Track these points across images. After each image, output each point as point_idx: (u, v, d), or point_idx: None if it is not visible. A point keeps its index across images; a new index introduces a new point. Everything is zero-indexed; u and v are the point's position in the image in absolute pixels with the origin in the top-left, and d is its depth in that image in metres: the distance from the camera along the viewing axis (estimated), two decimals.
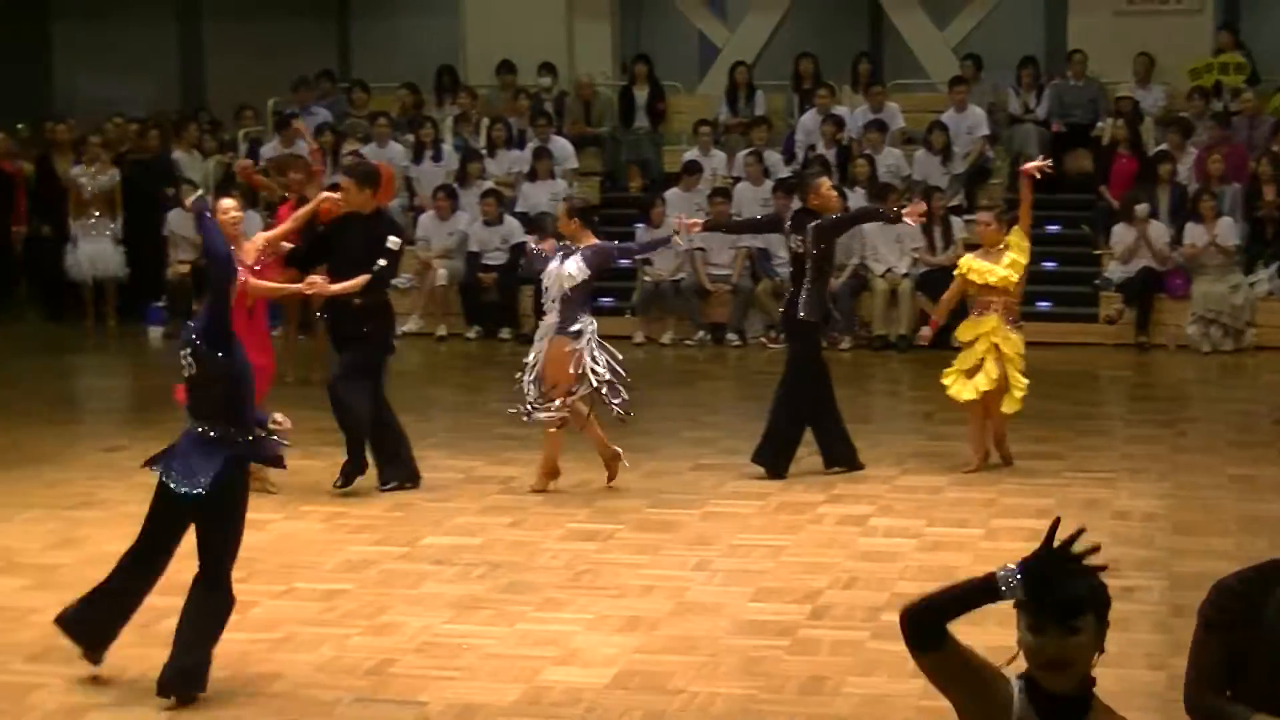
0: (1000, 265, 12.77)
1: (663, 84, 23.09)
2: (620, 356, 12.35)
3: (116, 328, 21.25)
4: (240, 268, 12.01)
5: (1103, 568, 4.32)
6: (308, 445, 13.74)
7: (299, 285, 12.33)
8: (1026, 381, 12.85)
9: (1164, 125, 20.99)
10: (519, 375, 12.23)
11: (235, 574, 9.98)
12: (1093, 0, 22.24)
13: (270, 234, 12.72)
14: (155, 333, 20.81)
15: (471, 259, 20.66)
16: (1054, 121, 21.46)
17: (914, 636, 4.46)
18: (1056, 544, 4.32)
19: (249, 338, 12.16)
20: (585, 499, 12.09)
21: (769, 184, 20.56)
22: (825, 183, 13.25)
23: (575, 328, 12.23)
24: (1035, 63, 22.09)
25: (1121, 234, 19.43)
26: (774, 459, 12.77)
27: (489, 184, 21.22)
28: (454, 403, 16.90)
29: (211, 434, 8.17)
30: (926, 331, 13.71)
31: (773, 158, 21.36)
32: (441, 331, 20.13)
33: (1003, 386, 12.81)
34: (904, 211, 12.87)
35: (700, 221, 14.02)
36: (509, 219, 20.74)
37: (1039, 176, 12.92)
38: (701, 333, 20.07)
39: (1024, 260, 12.88)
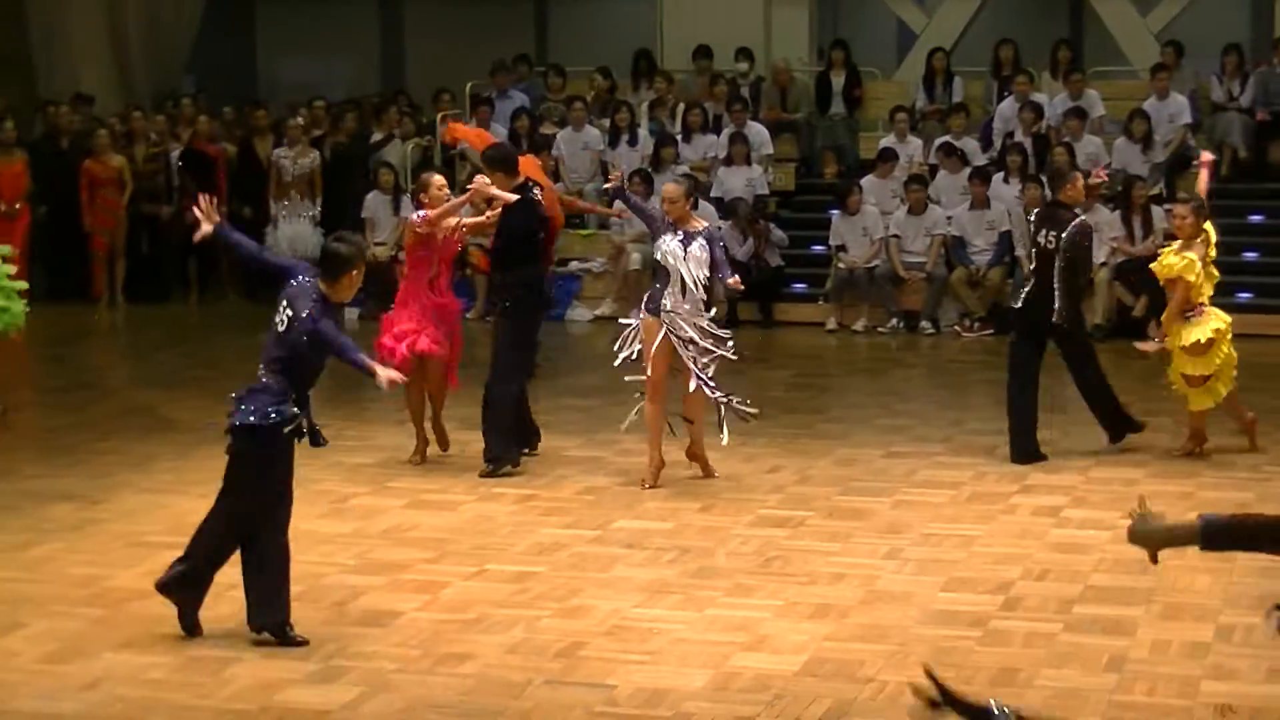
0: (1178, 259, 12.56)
1: (860, 70, 22.97)
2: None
3: None
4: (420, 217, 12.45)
5: None
6: None
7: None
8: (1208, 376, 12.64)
9: None
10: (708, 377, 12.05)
11: (425, 554, 10.13)
12: None
13: (470, 222, 12.82)
14: (351, 314, 21.01)
15: None
16: (1259, 110, 21.09)
17: None
18: None
19: (423, 312, 12.45)
20: (776, 485, 12.06)
21: (966, 171, 20.41)
22: (1080, 177, 13.10)
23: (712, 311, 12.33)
24: (1240, 50, 21.67)
25: None
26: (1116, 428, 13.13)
27: (684, 169, 21.21)
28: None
29: (266, 380, 8.78)
30: (1151, 345, 13.38)
31: (970, 145, 21.18)
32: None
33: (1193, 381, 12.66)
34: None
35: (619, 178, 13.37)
36: (704, 204, 20.72)
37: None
38: (895, 320, 19.95)
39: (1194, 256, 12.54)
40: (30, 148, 22.49)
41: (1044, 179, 19.73)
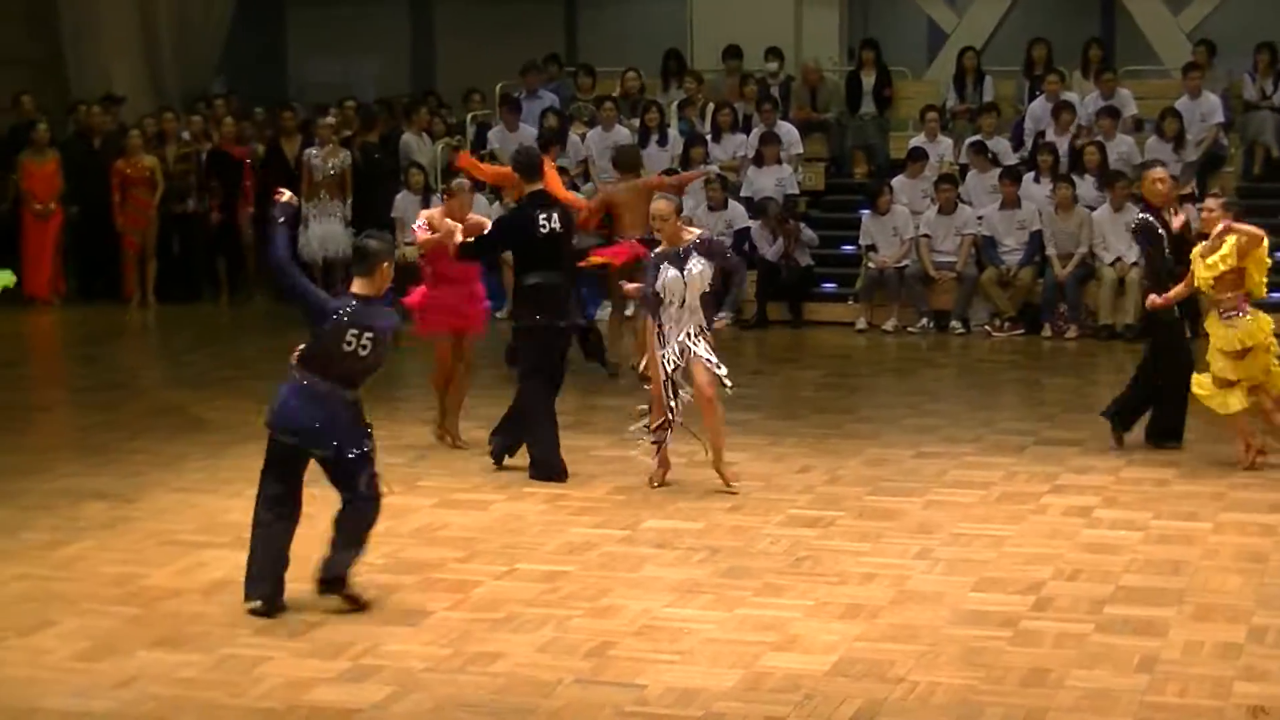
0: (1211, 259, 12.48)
1: (890, 69, 22.95)
2: None
3: None
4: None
5: None
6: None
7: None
8: (1212, 379, 12.50)
9: None
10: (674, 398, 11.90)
11: (455, 554, 10.15)
12: None
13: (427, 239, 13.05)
14: None
15: None
16: None
17: None
18: None
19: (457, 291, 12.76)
20: (806, 485, 12.04)
21: (996, 171, 20.39)
22: (1152, 174, 13.18)
23: (722, 315, 12.15)
24: (1273, 48, 21.56)
25: None
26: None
27: (714, 168, 21.21)
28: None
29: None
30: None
31: (1000, 145, 21.15)
32: None
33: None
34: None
35: None
36: (733, 204, 20.73)
37: None
38: (925, 320, 19.92)
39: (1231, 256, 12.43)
40: (62, 148, 22.58)
41: (1072, 178, 19.76)
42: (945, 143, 21.42)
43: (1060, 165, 20.31)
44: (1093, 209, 19.66)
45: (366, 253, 9.32)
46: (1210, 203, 12.78)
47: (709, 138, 21.83)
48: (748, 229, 20.40)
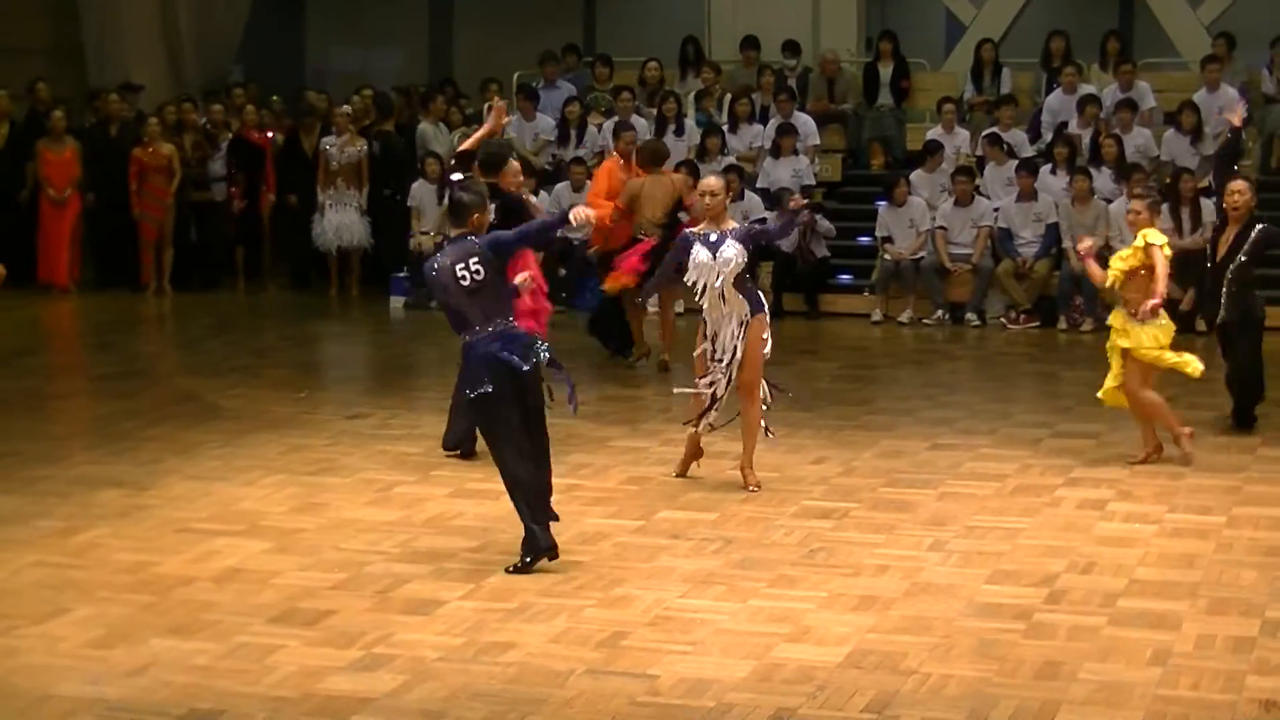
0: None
1: (908, 61, 22.92)
2: None
3: (360, 297, 21.60)
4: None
5: None
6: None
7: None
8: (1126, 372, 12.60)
9: None
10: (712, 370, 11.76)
11: (469, 543, 10.16)
12: None
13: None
14: (397, 302, 21.12)
15: None
16: None
17: None
18: None
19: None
20: (820, 477, 12.04)
21: (1012, 164, 20.36)
22: (1231, 185, 13.32)
23: (764, 304, 11.88)
24: None
25: None
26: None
27: (730, 159, 21.20)
28: (688, 378, 16.89)
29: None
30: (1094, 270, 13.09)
31: (1018, 137, 21.12)
32: (679, 308, 20.14)
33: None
34: None
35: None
36: (750, 195, 20.72)
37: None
38: (940, 312, 19.91)
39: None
40: (80, 136, 22.61)
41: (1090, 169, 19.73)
42: (962, 134, 21.40)
43: (1078, 157, 20.28)
44: (1109, 201, 19.64)
45: (461, 205, 9.99)
46: (1137, 204, 12.69)
47: (725, 128, 21.82)
48: (764, 219, 20.38)
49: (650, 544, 10.28)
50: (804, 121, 21.68)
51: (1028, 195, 19.94)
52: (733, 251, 11.47)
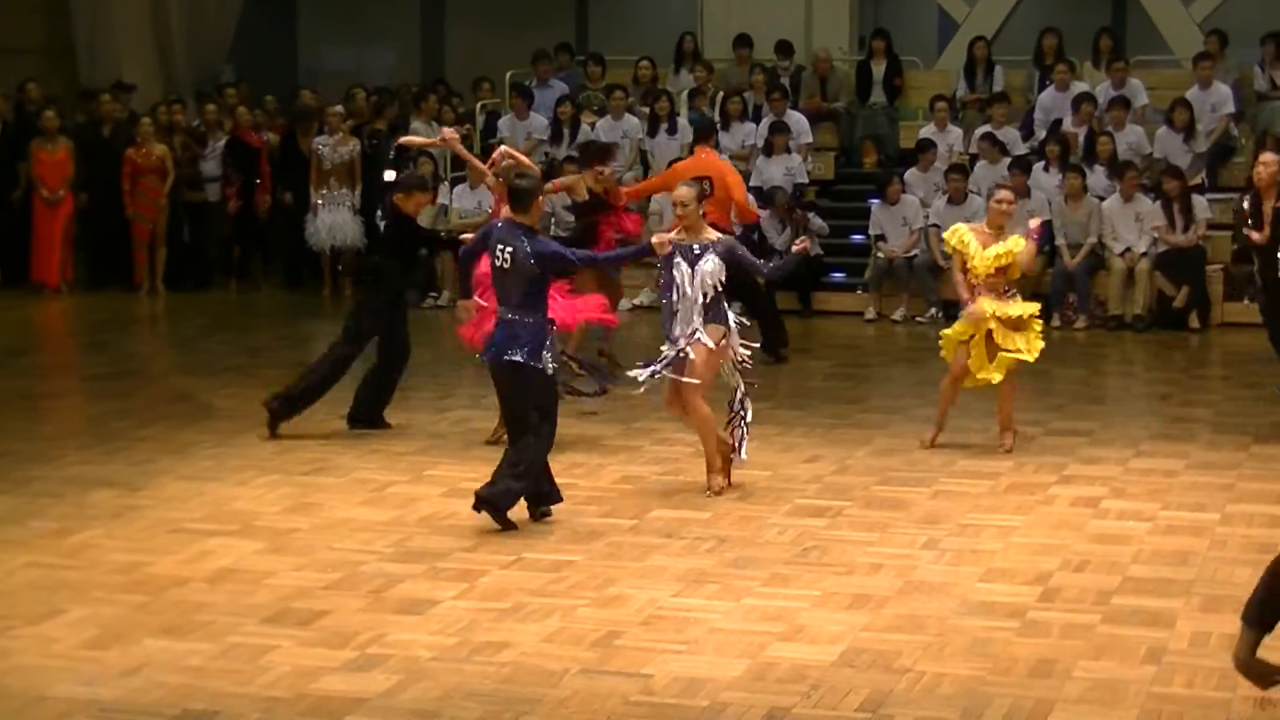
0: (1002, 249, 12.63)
1: (900, 59, 22.93)
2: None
3: (353, 297, 21.57)
4: None
5: None
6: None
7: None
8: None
9: None
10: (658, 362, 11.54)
11: (463, 543, 10.16)
12: None
13: None
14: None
15: None
16: None
17: None
18: None
19: None
20: (814, 475, 12.04)
21: (1005, 162, 20.36)
22: (1262, 157, 13.41)
23: (728, 318, 11.54)
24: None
25: None
26: None
27: (724, 158, 21.17)
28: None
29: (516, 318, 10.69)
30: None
31: (1010, 135, 21.12)
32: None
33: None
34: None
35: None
36: None
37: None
38: (934, 310, 19.90)
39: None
40: (72, 135, 22.60)
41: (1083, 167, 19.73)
42: (955, 132, 21.42)
43: (1070, 155, 20.29)
44: (1102, 199, 19.65)
45: (521, 191, 10.74)
46: (1006, 194, 12.80)
47: (718, 126, 21.81)
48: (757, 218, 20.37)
49: (643, 543, 10.28)
50: (797, 120, 21.68)
51: (1021, 193, 19.92)
52: (712, 266, 11.28)
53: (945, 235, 13.18)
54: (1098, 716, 7.50)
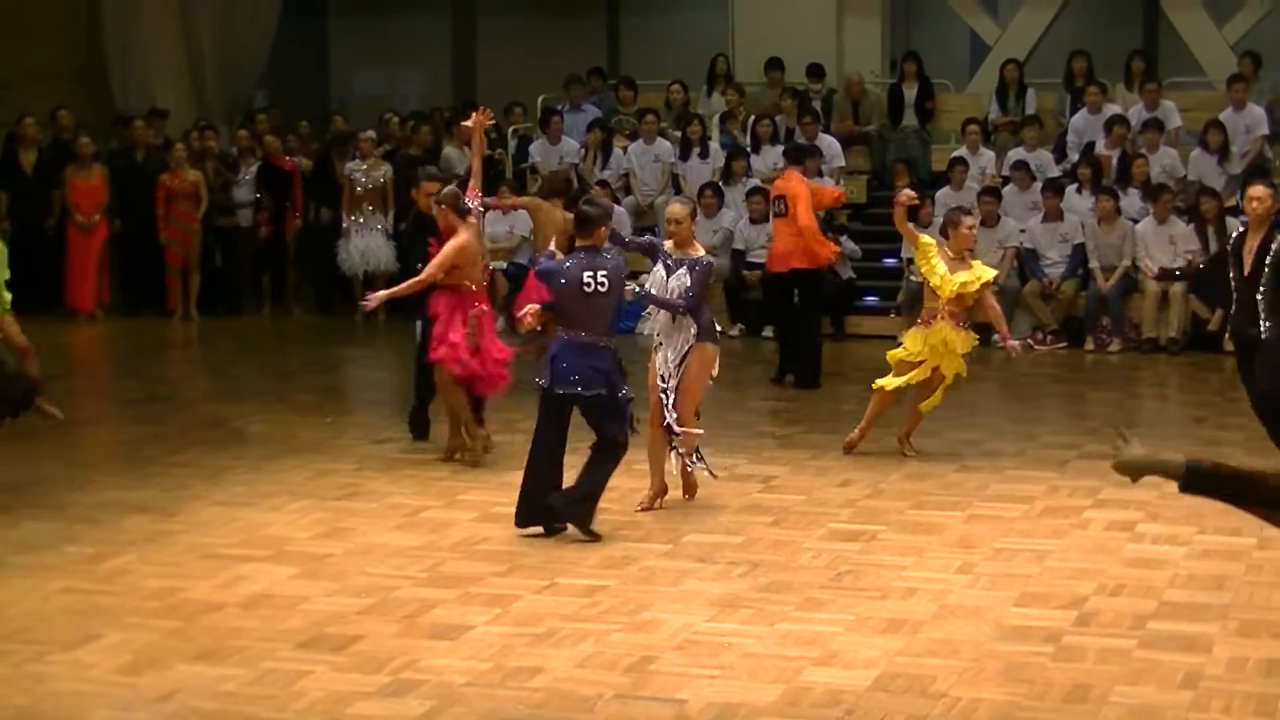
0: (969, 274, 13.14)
1: (932, 82, 22.92)
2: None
3: (384, 321, 21.59)
4: None
5: None
6: (570, 441, 13.88)
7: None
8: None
9: None
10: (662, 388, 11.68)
11: (496, 568, 10.15)
12: None
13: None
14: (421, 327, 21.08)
15: (736, 256, 20.69)
16: None
17: None
18: None
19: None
20: (847, 500, 12.02)
21: (1037, 186, 20.33)
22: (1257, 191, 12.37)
23: (716, 336, 11.85)
24: None
25: None
26: None
27: (755, 182, 21.20)
28: (716, 399, 16.84)
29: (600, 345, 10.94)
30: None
31: (1043, 157, 21.09)
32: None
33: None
34: None
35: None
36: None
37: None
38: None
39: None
40: (107, 161, 22.68)
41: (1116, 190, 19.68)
42: (987, 155, 21.39)
43: (1110, 178, 20.25)
44: (1136, 221, 19.61)
45: (588, 218, 10.93)
46: (970, 220, 13.13)
47: (749, 150, 21.83)
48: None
49: (677, 567, 10.27)
50: (829, 143, 21.65)
51: (1054, 216, 19.91)
52: (684, 281, 11.49)
53: (918, 247, 13.28)
54: None
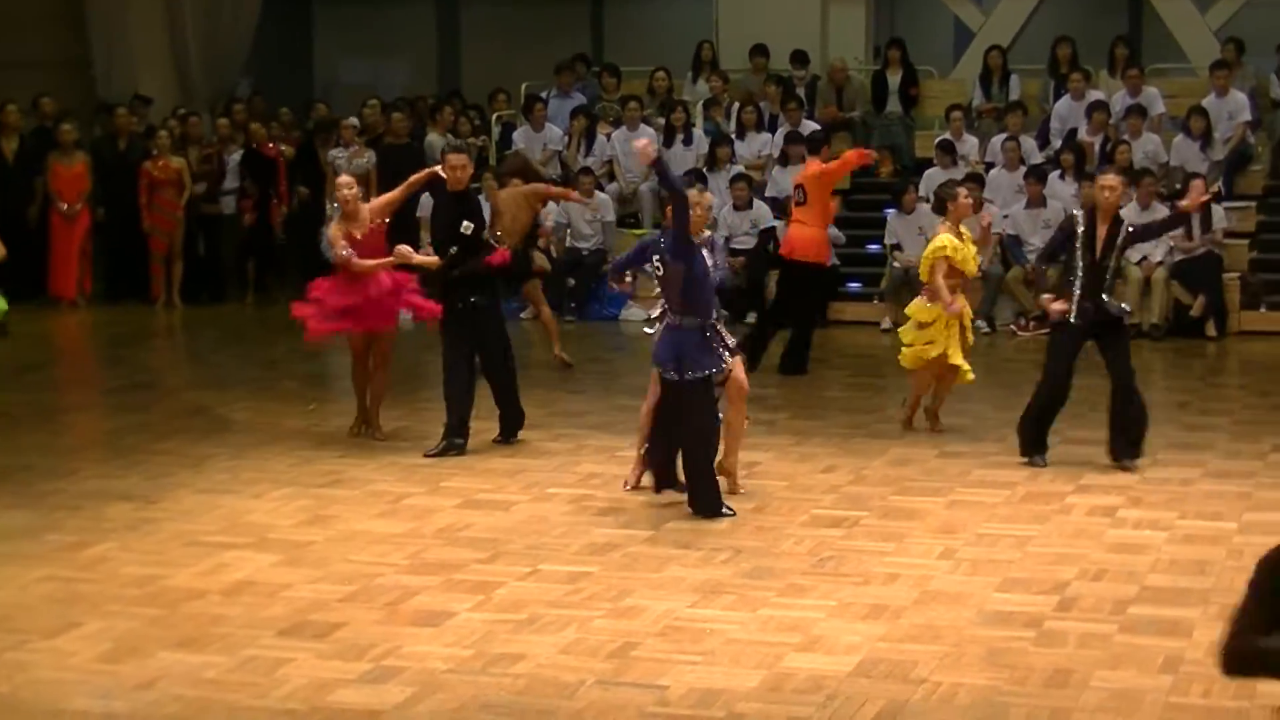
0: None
1: (916, 68, 22.93)
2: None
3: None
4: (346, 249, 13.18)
5: None
6: (554, 428, 13.88)
7: (388, 259, 13.26)
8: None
9: None
10: None
11: (478, 555, 10.14)
12: None
13: (379, 201, 13.55)
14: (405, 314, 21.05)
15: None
16: None
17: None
18: None
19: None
20: (830, 486, 12.02)
21: (1023, 169, 20.35)
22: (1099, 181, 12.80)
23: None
24: None
25: None
26: None
27: (739, 168, 21.20)
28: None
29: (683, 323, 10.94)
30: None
31: (1027, 144, 21.11)
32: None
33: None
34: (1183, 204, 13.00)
35: None
36: (758, 204, 20.71)
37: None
38: None
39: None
40: (89, 149, 22.64)
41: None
42: (971, 141, 21.39)
43: (1086, 164, 20.27)
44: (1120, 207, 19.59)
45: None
46: (964, 190, 13.86)
47: (733, 137, 21.82)
48: (773, 228, 20.37)
49: (660, 554, 10.27)
50: (812, 129, 21.64)
51: (1037, 202, 19.92)
52: (712, 259, 11.60)
53: (936, 244, 13.35)
54: None
